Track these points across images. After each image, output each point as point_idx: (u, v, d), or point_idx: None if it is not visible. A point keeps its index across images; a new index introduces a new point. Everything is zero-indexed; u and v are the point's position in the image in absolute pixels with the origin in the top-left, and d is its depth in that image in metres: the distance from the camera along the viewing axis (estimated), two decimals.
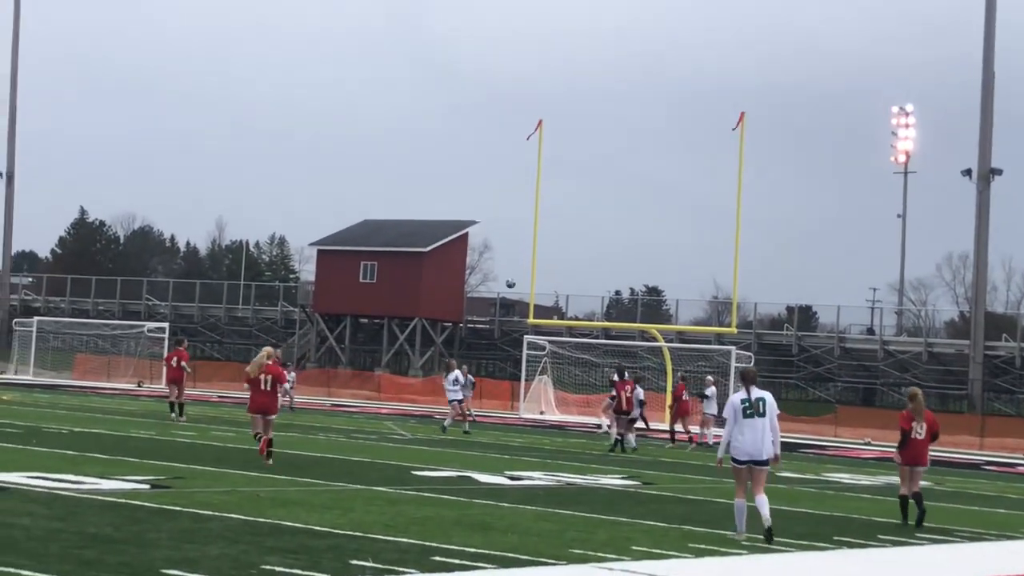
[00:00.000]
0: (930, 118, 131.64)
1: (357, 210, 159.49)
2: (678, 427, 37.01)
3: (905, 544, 16.20)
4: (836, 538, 16.06)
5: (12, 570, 10.40)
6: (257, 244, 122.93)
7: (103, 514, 14.08)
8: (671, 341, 59.51)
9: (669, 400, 38.25)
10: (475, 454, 27.75)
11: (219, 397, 52.25)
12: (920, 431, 18.66)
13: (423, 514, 15.87)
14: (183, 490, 17.01)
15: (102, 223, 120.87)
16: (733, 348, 51.95)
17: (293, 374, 47.66)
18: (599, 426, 38.72)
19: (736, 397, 15.66)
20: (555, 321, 72.15)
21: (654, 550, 13.88)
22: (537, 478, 22.44)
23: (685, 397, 36.94)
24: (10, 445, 22.88)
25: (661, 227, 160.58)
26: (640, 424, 35.57)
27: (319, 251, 76.59)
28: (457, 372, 37.07)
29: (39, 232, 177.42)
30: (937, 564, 15.22)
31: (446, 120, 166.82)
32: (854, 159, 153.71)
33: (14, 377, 63.16)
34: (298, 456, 24.18)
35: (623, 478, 23.69)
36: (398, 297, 71.76)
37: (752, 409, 15.41)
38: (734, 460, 15.45)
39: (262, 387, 22.44)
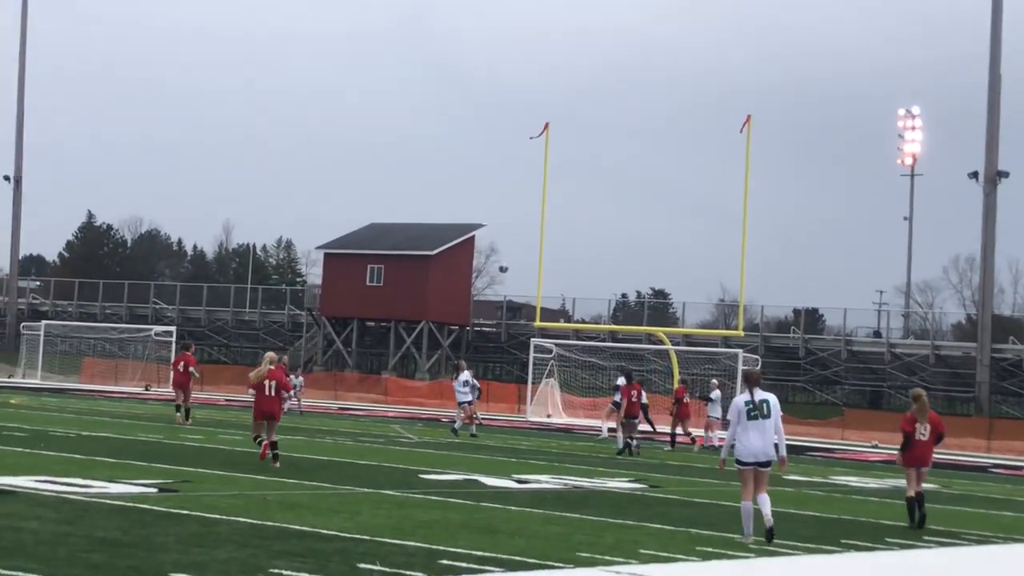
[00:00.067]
0: (937, 120, 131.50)
1: (364, 214, 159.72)
2: (678, 430, 36.97)
3: (913, 547, 16.18)
4: (844, 541, 16.05)
5: (21, 574, 10.43)
6: (264, 247, 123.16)
7: (111, 518, 14.10)
8: (678, 344, 59.48)
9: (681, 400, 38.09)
10: (482, 457, 27.76)
11: (226, 400, 52.30)
12: (924, 432, 18.66)
13: (430, 517, 15.88)
14: (191, 494, 17.03)
15: (109, 227, 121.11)
16: (740, 351, 51.92)
17: (301, 378, 47.70)
18: (599, 431, 38.57)
19: (740, 399, 15.66)
20: (562, 324, 72.13)
21: (662, 553, 13.89)
22: (544, 481, 22.44)
23: (686, 400, 36.91)
24: (18, 449, 22.92)
25: (667, 229, 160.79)
26: (646, 427, 35.58)
27: (326, 254, 76.64)
28: (467, 374, 37.11)
29: (47, 236, 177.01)
30: (944, 567, 15.22)
31: (451, 123, 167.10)
32: (860, 161, 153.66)
33: (22, 381, 63.27)
34: (305, 459, 24.19)
35: (630, 481, 23.68)
36: (405, 300, 71.78)
37: (756, 411, 15.42)
38: (739, 462, 15.45)
39: (266, 392, 22.50)
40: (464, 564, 12.26)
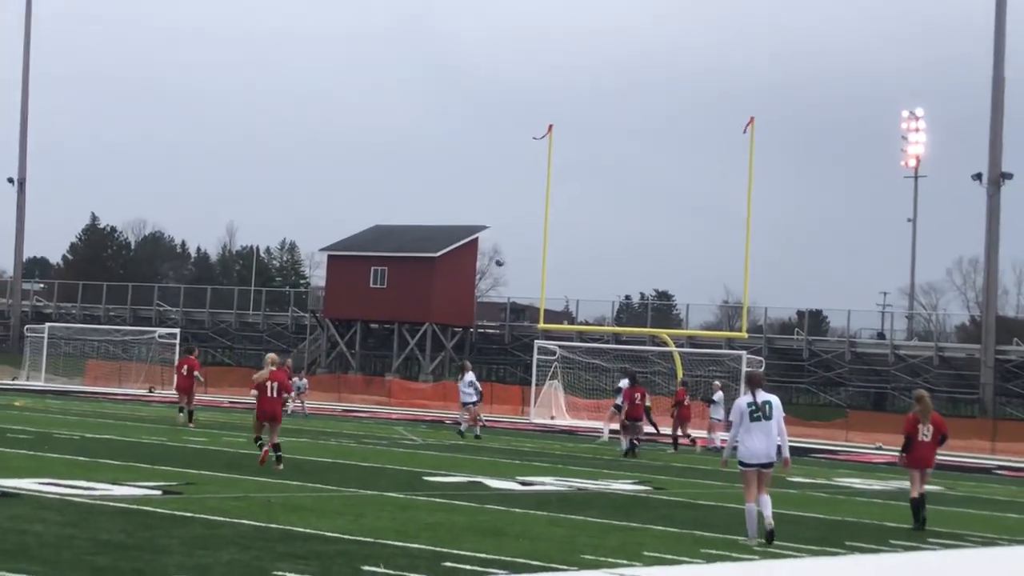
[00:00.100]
0: (941, 122, 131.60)
1: (364, 214, 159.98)
2: (679, 432, 36.93)
3: (917, 549, 16.16)
4: (848, 543, 16.03)
5: None
6: (268, 250, 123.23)
7: (115, 520, 14.10)
8: (681, 346, 59.48)
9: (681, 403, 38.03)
10: (486, 459, 27.75)
11: (230, 402, 52.30)
12: (927, 434, 18.66)
13: (434, 520, 15.88)
14: (195, 496, 17.03)
15: (113, 229, 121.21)
16: (744, 352, 51.91)
17: (305, 380, 47.70)
18: (600, 433, 38.50)
19: (742, 401, 15.65)
20: (565, 326, 72.13)
21: (666, 556, 13.88)
22: (548, 483, 22.43)
23: (686, 402, 36.90)
24: (22, 451, 22.94)
25: (671, 231, 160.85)
26: (650, 429, 35.57)
27: (329, 256, 76.66)
28: (471, 375, 37.14)
29: (51, 238, 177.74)
30: (949, 569, 15.20)
31: (451, 123, 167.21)
32: (864, 163, 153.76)
33: (26, 383, 63.30)
34: (309, 462, 24.20)
35: (634, 483, 23.67)
36: (408, 302, 71.79)
37: (759, 412, 15.41)
38: (742, 464, 15.43)
39: (269, 394, 22.51)
40: (468, 567, 12.26)
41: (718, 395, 38.31)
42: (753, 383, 15.81)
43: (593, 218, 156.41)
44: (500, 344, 77.84)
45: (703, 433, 38.64)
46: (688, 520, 17.64)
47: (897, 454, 19.93)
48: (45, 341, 66.00)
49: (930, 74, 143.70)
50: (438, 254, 71.90)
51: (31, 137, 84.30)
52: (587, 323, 79.60)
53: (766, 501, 15.23)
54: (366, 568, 11.79)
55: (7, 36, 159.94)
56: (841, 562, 14.67)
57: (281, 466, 21.73)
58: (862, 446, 46.54)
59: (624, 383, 34.56)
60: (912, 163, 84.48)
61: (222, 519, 14.69)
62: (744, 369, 48.38)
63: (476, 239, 76.82)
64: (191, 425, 33.41)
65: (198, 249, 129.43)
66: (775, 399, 15.70)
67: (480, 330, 78.48)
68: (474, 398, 36.62)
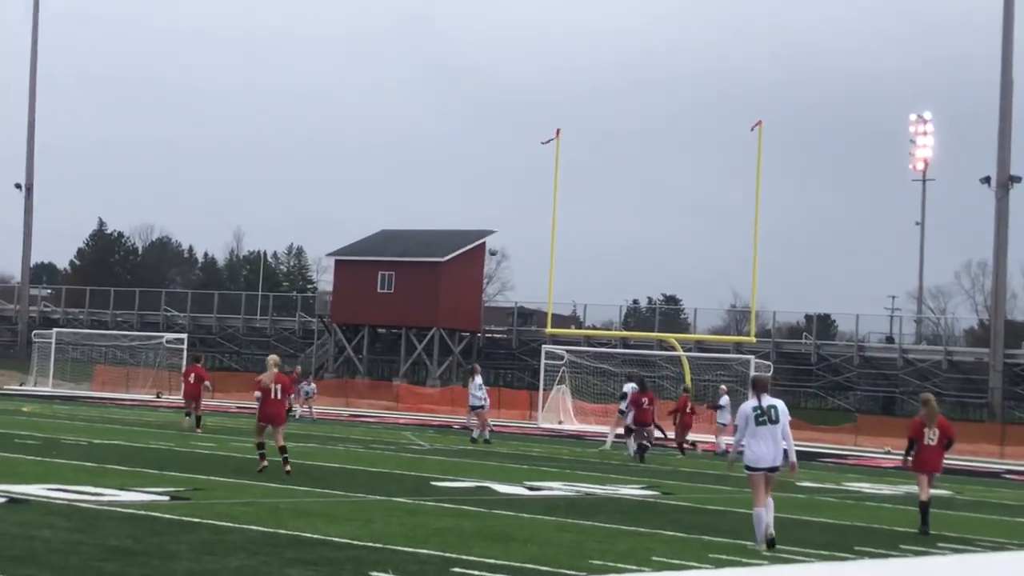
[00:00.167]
0: (946, 123, 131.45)
1: (374, 220, 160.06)
2: (672, 435, 36.77)
3: (927, 554, 16.11)
4: (857, 548, 15.99)
5: None
6: (275, 255, 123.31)
7: (123, 526, 14.09)
8: (689, 350, 59.41)
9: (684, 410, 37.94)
10: (494, 464, 27.71)
11: (237, 408, 52.29)
12: (933, 438, 18.62)
13: (442, 525, 15.85)
14: (203, 502, 17.02)
15: (120, 234, 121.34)
16: (752, 357, 51.84)
17: (313, 385, 47.71)
18: (605, 438, 38.39)
19: (747, 405, 15.62)
20: (573, 330, 72.10)
21: (675, 560, 13.84)
22: (556, 488, 22.40)
23: (688, 409, 36.83)
24: (30, 457, 22.95)
25: (678, 235, 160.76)
26: (658, 434, 35.51)
27: (337, 261, 76.73)
28: (480, 378, 37.17)
29: (58, 244, 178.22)
30: (958, 574, 15.15)
31: (452, 123, 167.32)
32: (870, 165, 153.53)
33: (34, 389, 63.36)
34: (317, 467, 24.19)
35: (642, 488, 23.63)
36: (416, 307, 71.81)
37: (765, 416, 15.38)
38: (749, 468, 15.40)
39: (272, 396, 22.54)
40: (477, 572, 12.23)
41: (724, 399, 38.25)
42: (758, 387, 15.77)
43: (598, 221, 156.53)
44: (508, 349, 77.82)
45: (710, 437, 38.61)
46: (696, 525, 17.59)
47: (901, 458, 19.92)
48: (53, 346, 66.07)
49: (931, 74, 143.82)
50: (445, 259, 71.92)
51: (38, 143, 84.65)
52: (595, 327, 79.61)
53: (769, 506, 15.21)
54: (375, 574, 11.77)
55: (8, 39, 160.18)
56: (850, 567, 14.63)
57: (288, 467, 21.76)
58: (871, 450, 46.45)
59: (629, 387, 34.52)
60: (920, 166, 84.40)
61: (230, 525, 14.68)
62: (752, 374, 48.35)
63: (483, 243, 76.85)
64: (199, 430, 33.46)
65: (205, 254, 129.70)
66: (780, 403, 15.66)
67: (487, 335, 78.47)
68: (483, 402, 36.61)
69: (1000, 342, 62.12)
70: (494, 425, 41.10)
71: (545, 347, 56.24)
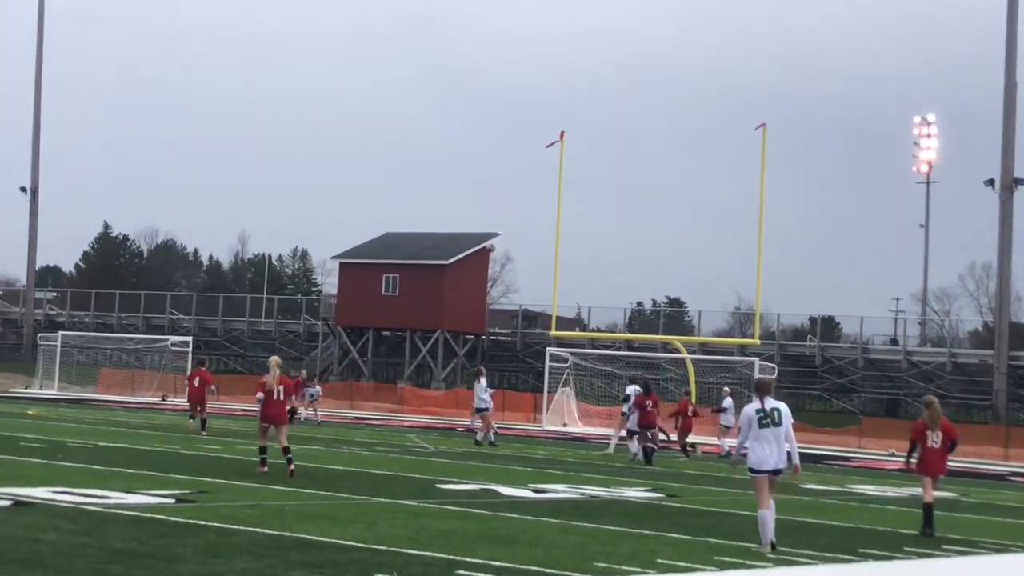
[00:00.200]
0: (953, 126, 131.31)
1: (379, 223, 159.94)
2: (673, 437, 36.74)
3: (931, 556, 16.12)
4: (862, 550, 16.00)
5: None
6: (279, 257, 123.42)
7: (129, 529, 14.12)
8: (694, 353, 59.38)
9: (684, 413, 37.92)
10: (498, 467, 27.73)
11: (243, 410, 52.31)
12: (936, 440, 18.63)
13: (447, 527, 15.87)
14: (208, 504, 17.05)
15: (126, 237, 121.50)
16: (756, 359, 51.80)
17: (318, 388, 47.72)
18: (608, 441, 38.36)
19: (750, 408, 15.65)
20: (577, 333, 72.10)
21: (679, 563, 13.85)
22: (561, 491, 22.41)
23: (689, 412, 36.79)
24: (36, 460, 22.99)
25: (682, 237, 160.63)
26: (662, 436, 35.50)
27: (341, 264, 76.77)
28: (485, 381, 37.23)
29: (63, 247, 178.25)
30: None
31: (454, 124, 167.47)
32: (875, 168, 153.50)
33: (39, 391, 63.42)
34: (322, 470, 24.22)
35: (647, 491, 23.64)
36: (420, 310, 71.85)
37: (767, 419, 15.40)
38: (752, 471, 15.42)
39: (275, 397, 22.65)
40: (481, 574, 12.25)
41: (727, 401, 38.25)
42: (761, 390, 15.80)
43: (602, 223, 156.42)
44: (512, 351, 77.84)
45: (713, 439, 38.60)
46: (701, 527, 17.61)
47: (903, 459, 19.96)
48: (58, 350, 66.14)
49: (933, 75, 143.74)
50: (450, 261, 71.96)
51: (43, 146, 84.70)
52: (599, 330, 79.60)
53: (771, 508, 15.24)
54: None
55: (11, 41, 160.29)
56: (855, 569, 14.64)
57: (292, 468, 21.84)
58: (875, 453, 46.41)
59: (631, 390, 34.53)
60: (924, 169, 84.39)
61: (235, 527, 14.71)
62: (756, 376, 48.34)
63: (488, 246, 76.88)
64: (204, 433, 33.53)
65: (210, 257, 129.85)
66: (783, 406, 15.69)
67: (492, 337, 78.49)
68: (488, 404, 36.64)
69: (1004, 344, 62.08)
70: (498, 428, 41.12)
71: (549, 349, 56.24)
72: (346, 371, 75.95)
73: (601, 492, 22.66)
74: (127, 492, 17.94)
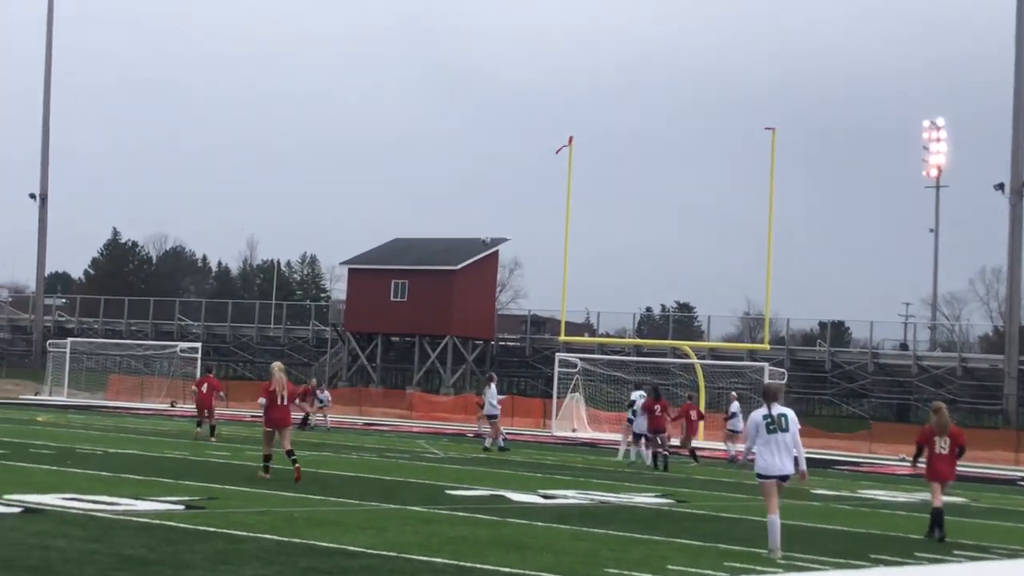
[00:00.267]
0: (963, 129, 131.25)
1: (388, 229, 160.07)
2: (677, 442, 36.70)
3: (942, 561, 16.07)
4: (872, 556, 15.95)
5: None
6: (288, 263, 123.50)
7: (138, 535, 14.11)
8: (703, 358, 59.33)
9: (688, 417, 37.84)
10: (508, 472, 27.70)
11: (252, 416, 52.32)
12: (944, 446, 18.60)
13: (457, 533, 15.85)
14: (217, 511, 17.04)
15: (135, 244, 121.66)
16: (766, 364, 51.77)
17: (327, 393, 47.73)
18: (618, 447, 38.29)
19: (758, 414, 15.64)
20: (586, 338, 72.06)
21: (690, 569, 13.81)
22: (571, 496, 22.38)
23: (693, 417, 36.69)
24: (45, 466, 23.00)
25: (692, 243, 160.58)
26: (674, 440, 35.46)
27: (350, 270, 76.82)
28: (495, 387, 37.28)
29: (72, 253, 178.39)
30: None
31: (454, 124, 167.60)
32: (885, 173, 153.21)
33: (48, 398, 63.52)
34: (331, 476, 24.20)
35: (657, 496, 23.60)
36: (429, 315, 71.86)
37: (775, 425, 15.40)
38: (760, 476, 15.40)
39: (278, 402, 22.73)
40: None
41: (735, 405, 38.21)
42: (769, 396, 15.80)
43: (615, 230, 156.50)
44: (521, 357, 77.82)
45: (720, 445, 38.55)
46: (711, 533, 17.57)
47: (910, 464, 19.97)
48: (67, 356, 66.24)
49: (932, 75, 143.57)
50: (458, 267, 71.97)
51: (52, 152, 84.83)
52: (608, 335, 79.50)
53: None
54: None
55: (11, 43, 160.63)
56: (866, 575, 14.59)
57: (298, 467, 21.97)
58: (886, 458, 46.32)
59: (636, 395, 34.48)
60: (933, 173, 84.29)
61: (245, 534, 14.69)
62: (766, 381, 48.28)
63: (496, 252, 76.88)
64: (213, 439, 33.55)
65: (219, 263, 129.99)
66: (791, 412, 15.69)
67: (501, 343, 78.48)
68: (497, 410, 36.67)
69: (1015, 348, 61.94)
70: (507, 433, 41.10)
71: (558, 355, 56.24)
72: (355, 377, 75.98)
73: (611, 498, 22.61)
74: (136, 498, 17.94)
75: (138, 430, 38.07)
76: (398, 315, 72.96)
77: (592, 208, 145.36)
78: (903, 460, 44.09)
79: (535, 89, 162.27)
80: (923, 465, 18.99)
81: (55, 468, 22.76)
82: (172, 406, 59.35)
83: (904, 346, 74.00)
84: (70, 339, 70.26)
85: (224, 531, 14.81)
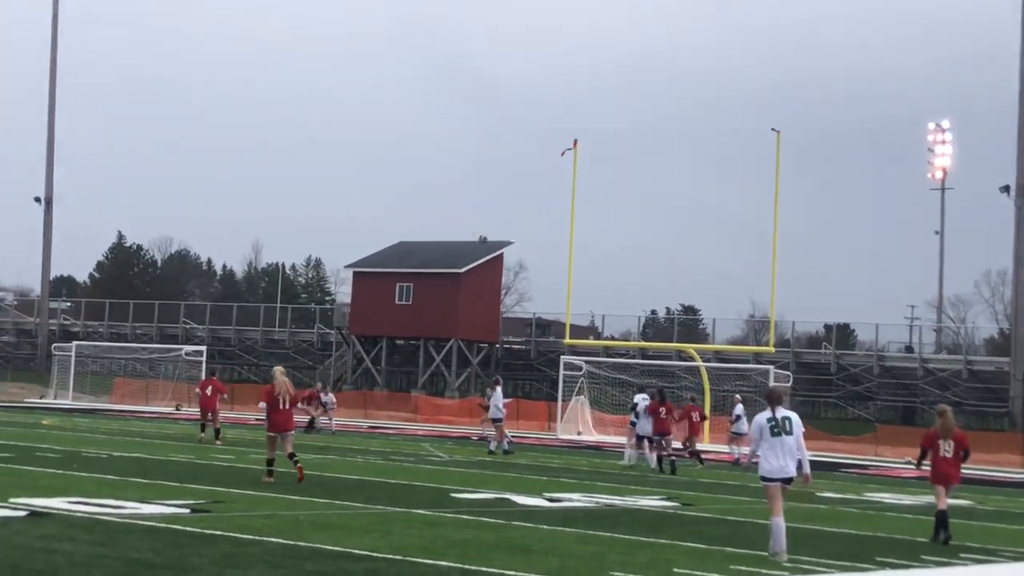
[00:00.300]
0: (968, 131, 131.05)
1: (392, 232, 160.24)
2: (686, 444, 36.68)
3: (948, 564, 16.04)
4: (879, 559, 15.93)
5: None
6: (293, 267, 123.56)
7: (144, 539, 14.11)
8: (708, 361, 59.30)
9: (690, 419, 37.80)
10: (513, 476, 27.69)
11: (256, 420, 52.35)
12: (948, 450, 18.59)
13: (462, 537, 15.84)
14: (223, 514, 17.04)
15: (139, 247, 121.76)
16: (771, 367, 51.75)
17: (332, 396, 47.76)
18: (623, 450, 38.24)
19: (762, 417, 15.65)
20: (591, 341, 72.05)
21: (696, 572, 13.80)
22: (576, 500, 22.36)
23: (695, 418, 36.70)
24: (51, 470, 23.01)
25: (696, 245, 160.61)
26: (676, 444, 35.44)
27: (355, 273, 76.83)
28: (501, 390, 37.28)
29: (77, 257, 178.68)
30: None
31: (454, 124, 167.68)
32: (891, 176, 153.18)
33: (54, 402, 63.57)
34: (336, 479, 24.21)
35: (662, 499, 23.58)
36: (434, 318, 71.86)
37: (779, 428, 15.41)
38: (764, 479, 15.40)
39: (281, 406, 22.77)
40: None
41: (739, 408, 38.19)
42: (773, 399, 15.81)
43: (619, 233, 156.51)
44: (526, 360, 77.81)
45: (725, 448, 38.53)
46: (717, 536, 17.55)
47: (914, 466, 19.98)
48: (72, 359, 66.30)
49: (932, 75, 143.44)
50: (463, 270, 71.96)
51: (57, 156, 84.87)
52: (613, 338, 79.50)
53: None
54: None
55: (12, 43, 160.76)
56: None
57: (300, 467, 21.96)
58: (891, 461, 46.27)
59: (639, 398, 34.45)
60: (939, 175, 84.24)
61: (250, 537, 14.69)
62: (772, 384, 48.26)
63: (501, 255, 76.90)
64: (218, 442, 33.56)
65: (224, 267, 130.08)
66: (795, 415, 15.72)
67: (506, 346, 78.46)
68: (500, 414, 36.68)
69: (1021, 351, 61.87)
70: (512, 436, 41.10)
71: (563, 358, 56.22)
72: (360, 380, 75.98)
73: (616, 501, 22.60)
74: (142, 502, 17.94)
75: (143, 433, 38.10)
76: (403, 318, 72.97)
77: (596, 210, 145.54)
78: (909, 463, 44.08)
79: (536, 89, 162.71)
80: (928, 467, 19.00)
81: (61, 472, 22.77)
82: (177, 409, 59.39)
83: (909, 349, 73.94)
84: (75, 342, 70.35)
85: (230, 534, 14.81)
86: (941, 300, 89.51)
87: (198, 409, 37.74)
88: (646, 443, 33.25)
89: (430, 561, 13.49)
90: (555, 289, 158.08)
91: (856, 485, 31.49)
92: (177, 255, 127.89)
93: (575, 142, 51.72)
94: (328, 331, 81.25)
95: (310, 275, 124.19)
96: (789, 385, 52.86)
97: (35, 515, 15.97)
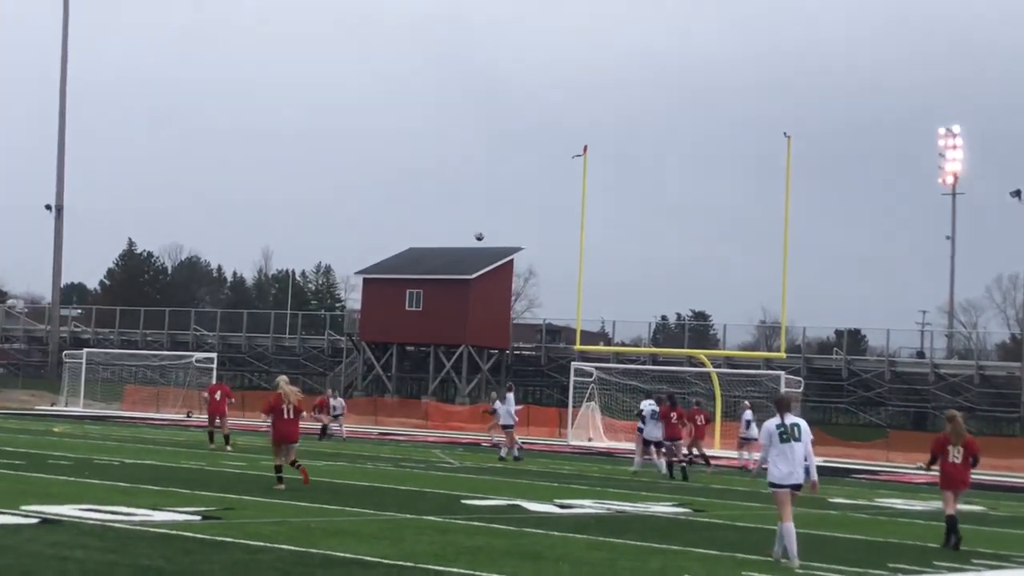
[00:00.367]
0: (979, 136, 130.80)
1: (402, 238, 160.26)
2: (694, 450, 36.62)
3: (960, 570, 15.99)
4: (891, 565, 15.88)
5: None
6: (303, 273, 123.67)
7: (156, 546, 14.12)
8: (719, 366, 59.22)
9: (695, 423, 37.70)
10: (524, 482, 27.66)
11: (267, 427, 52.30)
12: (957, 455, 18.56)
13: (473, 544, 15.82)
14: (234, 521, 17.04)
15: (150, 254, 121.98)
16: (782, 373, 51.63)
17: (342, 401, 47.74)
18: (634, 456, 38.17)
19: (771, 423, 15.65)
20: (602, 347, 72.00)
21: None
22: (587, 506, 22.34)
23: (700, 422, 36.64)
24: (62, 477, 23.03)
25: (707, 251, 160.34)
26: (684, 451, 35.37)
27: (365, 280, 76.88)
28: (512, 396, 37.29)
29: (88, 264, 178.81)
30: None
31: (477, 141, 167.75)
32: (901, 181, 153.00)
33: (65, 409, 63.63)
34: (347, 486, 24.20)
35: (674, 505, 23.54)
36: (444, 325, 71.86)
37: (787, 435, 15.40)
38: (773, 485, 15.39)
39: (286, 416, 22.79)
40: None
41: (747, 413, 38.11)
42: (781, 406, 15.82)
43: (630, 239, 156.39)
44: (536, 366, 77.77)
45: (733, 453, 38.46)
46: (728, 542, 17.52)
47: (923, 471, 19.96)
48: (83, 367, 66.36)
49: (969, 92, 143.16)
50: (473, 276, 71.97)
51: (68, 163, 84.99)
52: (623, 344, 79.45)
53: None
54: None
55: (12, 43, 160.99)
56: None
57: (303, 469, 22.03)
58: (903, 466, 46.12)
59: (645, 404, 34.38)
60: (950, 180, 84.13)
61: (262, 544, 14.69)
62: (783, 389, 48.14)
63: (511, 261, 76.92)
64: (228, 448, 33.57)
65: (234, 273, 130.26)
66: (803, 422, 15.73)
67: (516, 352, 78.43)
68: (512, 421, 36.65)
69: None
70: (523, 443, 41.06)
71: (574, 364, 56.16)
72: (370, 387, 76.00)
73: (627, 507, 22.57)
74: (153, 509, 17.95)
75: (155, 440, 38.13)
76: (413, 324, 72.99)
77: (606, 216, 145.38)
78: (920, 468, 43.94)
79: (548, 97, 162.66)
80: (937, 472, 18.97)
81: (72, 479, 22.80)
82: (188, 416, 59.41)
83: (921, 354, 73.80)
84: (86, 350, 70.43)
85: (241, 541, 14.81)
86: (952, 305, 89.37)
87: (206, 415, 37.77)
88: (653, 448, 33.20)
89: (441, 568, 13.48)
90: (565, 295, 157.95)
91: (868, 491, 31.41)
92: (187, 262, 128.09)
93: (584, 148, 51.71)
94: (338, 338, 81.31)
95: (320, 282, 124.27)
96: (800, 391, 52.74)
97: (47, 522, 15.98)
